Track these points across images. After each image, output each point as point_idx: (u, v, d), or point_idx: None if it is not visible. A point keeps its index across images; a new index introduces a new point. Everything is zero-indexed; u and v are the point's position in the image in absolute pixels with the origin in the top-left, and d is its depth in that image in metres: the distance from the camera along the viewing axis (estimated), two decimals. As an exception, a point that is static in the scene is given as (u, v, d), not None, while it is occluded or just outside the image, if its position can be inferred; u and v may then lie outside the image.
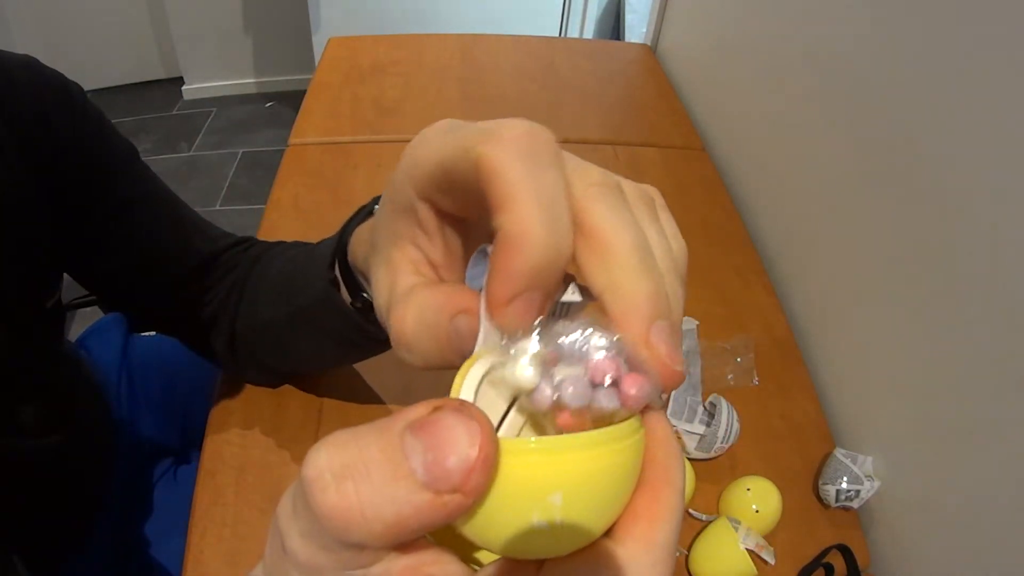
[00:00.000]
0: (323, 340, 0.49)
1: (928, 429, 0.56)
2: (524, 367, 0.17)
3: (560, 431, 0.16)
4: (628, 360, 0.17)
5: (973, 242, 0.51)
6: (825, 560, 0.56)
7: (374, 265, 0.25)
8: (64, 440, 0.56)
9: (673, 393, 0.66)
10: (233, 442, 0.60)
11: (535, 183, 0.17)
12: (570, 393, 0.16)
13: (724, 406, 0.62)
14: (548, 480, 0.16)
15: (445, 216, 0.22)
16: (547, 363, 0.17)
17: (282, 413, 0.62)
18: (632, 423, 0.17)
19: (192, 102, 2.65)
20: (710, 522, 0.57)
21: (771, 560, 0.54)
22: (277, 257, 0.55)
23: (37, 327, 0.50)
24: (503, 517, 0.16)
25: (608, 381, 0.16)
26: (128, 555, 0.66)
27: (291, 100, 2.64)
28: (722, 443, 0.59)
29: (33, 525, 0.56)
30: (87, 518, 0.64)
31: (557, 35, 2.16)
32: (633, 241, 0.18)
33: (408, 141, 0.24)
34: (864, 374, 0.66)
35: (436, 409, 0.15)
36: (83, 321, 0.85)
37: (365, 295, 0.41)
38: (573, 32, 2.20)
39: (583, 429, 0.16)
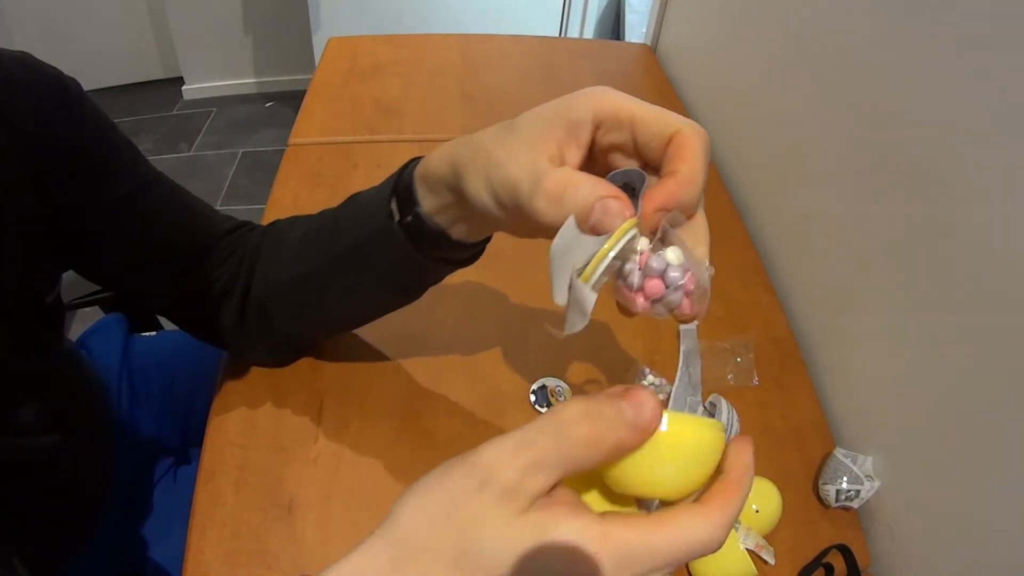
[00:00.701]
0: (365, 284, 0.51)
1: (928, 429, 0.56)
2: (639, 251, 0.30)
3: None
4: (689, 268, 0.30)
5: (974, 242, 0.51)
6: (825, 560, 0.56)
7: (503, 145, 0.35)
8: (64, 439, 0.56)
9: (673, 393, 0.66)
10: (233, 442, 0.60)
11: (704, 162, 0.32)
12: (653, 267, 0.30)
13: (724, 405, 0.62)
14: (686, 443, 0.26)
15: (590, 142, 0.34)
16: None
17: (282, 413, 0.62)
18: (723, 429, 0.27)
19: (192, 102, 2.65)
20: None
21: (771, 560, 0.54)
22: (295, 223, 0.56)
23: (36, 323, 0.50)
24: (650, 462, 0.26)
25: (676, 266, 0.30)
26: (128, 555, 0.66)
27: (291, 100, 2.64)
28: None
29: (33, 525, 0.56)
30: (87, 518, 0.64)
31: (557, 35, 2.16)
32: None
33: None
34: (864, 374, 0.66)
35: (628, 388, 0.26)
36: (83, 321, 0.85)
37: (421, 216, 0.43)
38: (573, 32, 2.20)
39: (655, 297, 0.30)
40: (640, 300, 0.30)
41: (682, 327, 0.73)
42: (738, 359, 0.70)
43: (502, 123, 0.37)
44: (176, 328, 0.62)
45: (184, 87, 2.65)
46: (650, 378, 0.66)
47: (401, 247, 0.45)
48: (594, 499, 0.29)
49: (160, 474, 0.74)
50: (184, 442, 0.80)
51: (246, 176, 2.32)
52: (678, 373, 0.69)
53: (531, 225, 0.33)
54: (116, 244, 0.52)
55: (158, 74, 2.69)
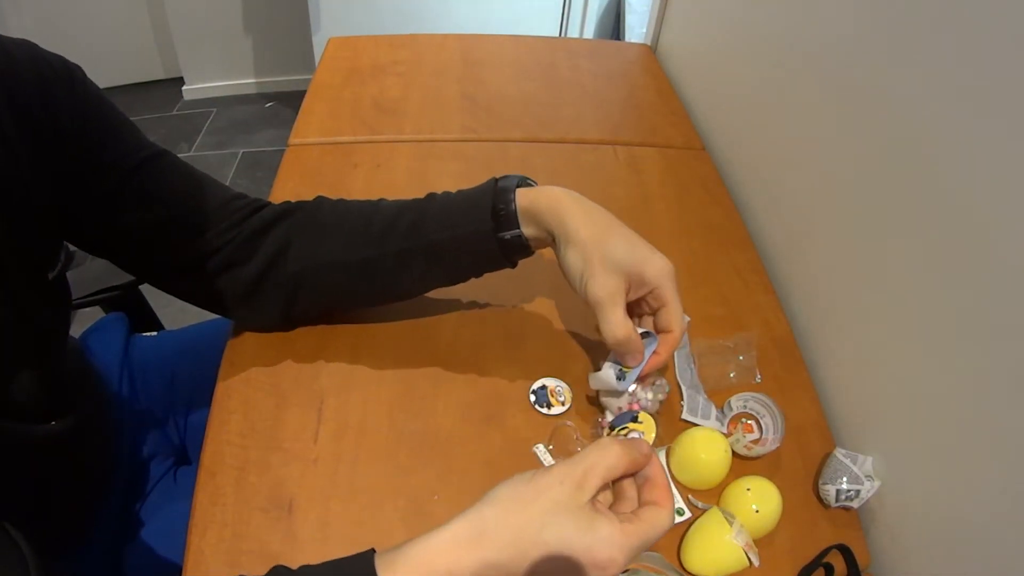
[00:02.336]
0: (438, 273, 0.62)
1: (928, 429, 0.56)
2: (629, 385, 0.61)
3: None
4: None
5: (974, 242, 0.51)
6: (825, 560, 0.56)
7: (602, 266, 0.54)
8: (65, 427, 0.56)
9: (685, 394, 0.66)
10: (233, 442, 0.60)
11: (679, 310, 0.57)
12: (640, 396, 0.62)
13: (770, 402, 0.63)
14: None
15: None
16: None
17: (282, 413, 0.62)
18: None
19: (192, 102, 2.66)
20: (703, 511, 0.58)
21: (756, 562, 0.54)
22: (341, 204, 0.63)
23: (38, 298, 0.51)
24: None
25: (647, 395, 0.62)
26: (128, 554, 0.66)
27: (291, 100, 2.64)
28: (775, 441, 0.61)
29: (33, 516, 0.56)
30: (86, 512, 0.64)
31: (557, 35, 2.16)
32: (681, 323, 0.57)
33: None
34: (864, 374, 0.66)
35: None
36: (83, 321, 0.85)
37: (521, 237, 0.58)
38: (573, 32, 2.20)
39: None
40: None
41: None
42: (740, 357, 0.70)
43: (602, 223, 0.56)
44: (176, 329, 0.62)
45: (184, 87, 2.65)
46: (650, 377, 0.66)
47: (491, 251, 0.58)
48: None
49: (160, 474, 0.74)
50: (184, 441, 0.80)
51: (246, 176, 2.32)
52: (677, 372, 0.69)
53: (583, 298, 0.56)
54: (126, 211, 0.54)
55: (158, 74, 2.69)
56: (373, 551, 0.38)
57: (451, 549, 0.37)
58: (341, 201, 0.64)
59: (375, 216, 0.60)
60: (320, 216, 0.62)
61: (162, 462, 0.76)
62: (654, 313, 0.58)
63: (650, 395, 0.62)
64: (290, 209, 0.62)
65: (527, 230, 0.57)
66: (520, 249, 0.58)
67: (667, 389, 0.64)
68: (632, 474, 0.42)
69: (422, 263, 0.60)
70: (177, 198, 0.57)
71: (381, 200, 0.63)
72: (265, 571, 0.39)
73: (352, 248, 0.60)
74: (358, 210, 0.62)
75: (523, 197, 0.56)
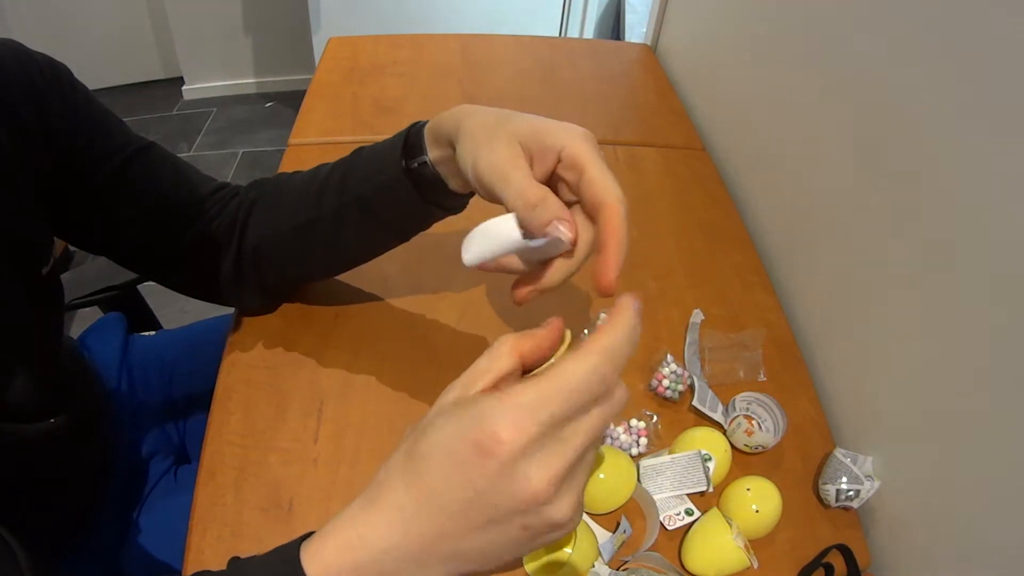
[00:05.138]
0: (372, 228, 0.58)
1: (928, 429, 0.56)
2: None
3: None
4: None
5: (974, 241, 0.51)
6: (825, 560, 0.56)
7: (493, 137, 0.43)
8: (61, 428, 0.56)
9: (696, 386, 0.67)
10: (233, 442, 0.60)
11: (608, 174, 0.41)
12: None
13: (773, 405, 0.63)
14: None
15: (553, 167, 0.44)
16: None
17: (282, 413, 0.62)
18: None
19: (192, 102, 2.65)
20: (703, 513, 0.58)
21: (755, 564, 0.54)
22: (290, 177, 0.62)
23: (32, 295, 0.51)
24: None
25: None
26: (127, 555, 0.66)
27: (291, 100, 2.64)
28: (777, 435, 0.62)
29: (30, 516, 0.56)
30: (86, 511, 0.63)
31: (557, 35, 2.16)
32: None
33: None
34: (864, 374, 0.66)
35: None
36: (83, 321, 0.85)
37: (427, 163, 0.51)
38: (573, 32, 2.20)
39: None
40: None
41: (690, 320, 0.73)
42: (748, 353, 0.70)
43: (501, 113, 0.45)
44: (175, 328, 0.62)
45: (184, 87, 2.65)
46: (673, 366, 0.67)
47: (408, 192, 0.53)
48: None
49: (160, 474, 0.74)
50: (184, 441, 0.80)
51: (246, 176, 2.32)
52: (687, 363, 0.69)
53: (491, 199, 0.44)
54: (116, 206, 0.55)
55: (158, 74, 2.69)
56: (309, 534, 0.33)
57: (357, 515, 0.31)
58: (295, 172, 0.63)
59: (314, 179, 0.59)
60: (271, 188, 0.63)
61: (162, 461, 0.75)
62: (577, 191, 0.43)
63: (668, 384, 0.66)
64: (256, 186, 0.64)
65: (432, 153, 0.50)
66: (434, 183, 0.51)
67: (688, 380, 0.65)
68: (547, 357, 0.33)
69: (356, 218, 0.57)
70: (165, 191, 0.58)
71: (322, 165, 0.60)
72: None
73: (296, 214, 0.59)
74: (302, 177, 0.61)
75: (432, 121, 0.50)
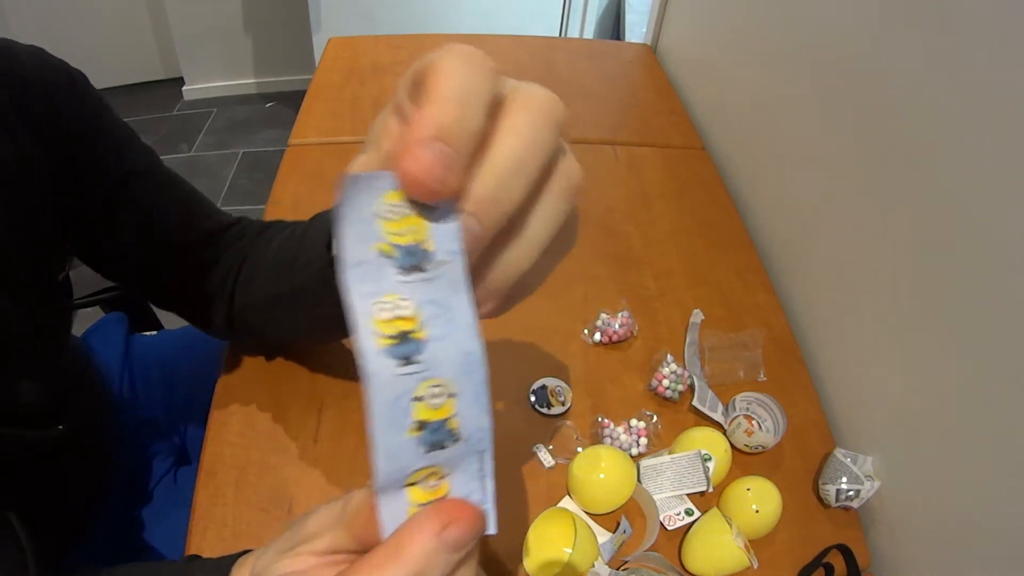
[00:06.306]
0: (320, 318, 0.51)
1: (928, 429, 0.56)
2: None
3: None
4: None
5: (974, 241, 0.51)
6: (825, 560, 0.56)
7: None
8: (67, 431, 0.56)
9: (696, 386, 0.67)
10: (233, 442, 0.60)
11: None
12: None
13: (773, 405, 0.63)
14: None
15: None
16: None
17: (282, 413, 0.62)
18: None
19: (192, 102, 2.65)
20: (703, 513, 0.58)
21: (755, 564, 0.54)
22: (276, 235, 0.57)
23: (45, 301, 0.51)
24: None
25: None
26: (128, 554, 0.66)
27: (291, 100, 2.64)
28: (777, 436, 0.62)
29: (34, 514, 0.56)
30: (88, 508, 0.64)
31: (557, 35, 2.16)
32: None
33: None
34: (864, 374, 0.66)
35: None
36: (84, 321, 0.85)
37: None
38: (573, 32, 2.20)
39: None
40: None
41: (690, 321, 0.73)
42: (747, 353, 0.70)
43: None
44: (176, 328, 0.63)
45: (184, 87, 2.65)
46: (673, 366, 0.67)
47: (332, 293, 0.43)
48: None
49: (160, 474, 0.74)
50: (184, 442, 0.80)
51: (246, 176, 2.32)
52: (686, 360, 0.69)
53: None
54: (114, 226, 0.54)
55: (158, 74, 2.68)
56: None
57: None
58: (284, 227, 0.58)
59: (281, 248, 0.54)
60: (262, 244, 0.58)
61: (163, 461, 0.76)
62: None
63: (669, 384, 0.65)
64: (255, 236, 0.59)
65: None
66: None
67: (688, 380, 0.65)
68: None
69: (309, 310, 0.51)
70: (161, 220, 0.55)
71: (299, 225, 0.55)
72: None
73: (265, 285, 0.55)
74: (281, 241, 0.56)
75: None
